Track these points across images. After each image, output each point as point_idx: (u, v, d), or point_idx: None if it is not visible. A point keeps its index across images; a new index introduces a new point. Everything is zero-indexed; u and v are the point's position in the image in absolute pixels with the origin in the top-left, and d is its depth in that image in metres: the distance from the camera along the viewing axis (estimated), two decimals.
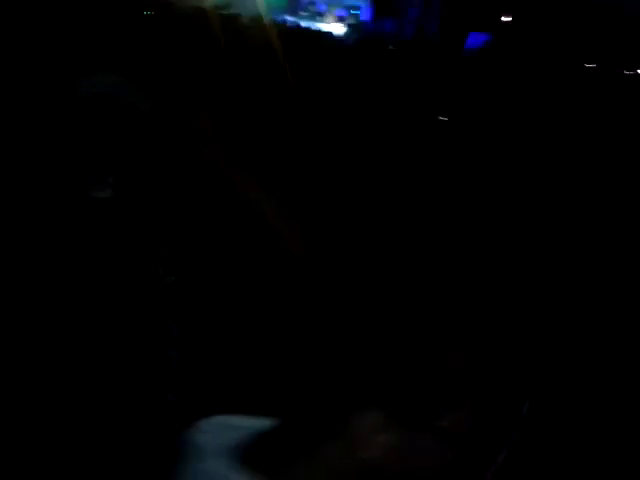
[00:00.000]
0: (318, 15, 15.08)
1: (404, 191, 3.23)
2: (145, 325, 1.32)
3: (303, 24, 12.99)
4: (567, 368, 2.32)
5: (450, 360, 0.61)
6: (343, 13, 15.14)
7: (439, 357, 0.60)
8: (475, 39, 11.33)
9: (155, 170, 1.37)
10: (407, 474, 0.58)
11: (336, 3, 15.22)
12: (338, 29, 13.72)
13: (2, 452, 1.34)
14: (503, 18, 14.34)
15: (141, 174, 1.34)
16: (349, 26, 14.28)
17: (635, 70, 13.57)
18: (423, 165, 3.51)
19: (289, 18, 13.83)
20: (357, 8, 15.33)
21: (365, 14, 15.20)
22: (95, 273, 1.29)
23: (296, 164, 2.99)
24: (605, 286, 2.81)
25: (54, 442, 1.30)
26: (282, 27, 9.18)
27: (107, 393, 1.28)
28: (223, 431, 0.63)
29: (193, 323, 1.40)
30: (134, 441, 1.27)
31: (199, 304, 1.42)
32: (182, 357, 1.37)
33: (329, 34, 9.01)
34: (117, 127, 1.26)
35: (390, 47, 9.40)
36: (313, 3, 15.30)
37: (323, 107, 3.76)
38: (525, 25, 13.66)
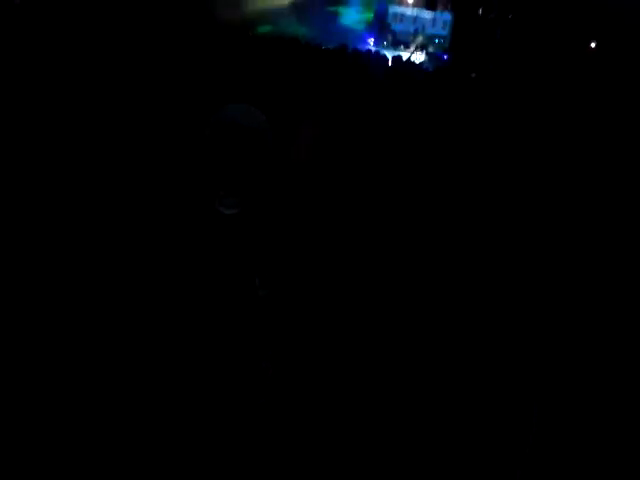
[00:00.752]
0: (402, 44, 15.46)
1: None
2: (240, 333, 1.46)
3: (386, 52, 13.60)
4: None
5: None
6: (426, 42, 15.51)
7: None
8: None
9: (269, 189, 1.48)
10: None
11: (420, 33, 15.58)
12: (419, 58, 14.17)
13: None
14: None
15: (260, 194, 1.46)
16: (430, 55, 14.68)
17: None
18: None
19: (373, 48, 14.41)
20: (440, 37, 15.68)
21: (446, 43, 15.53)
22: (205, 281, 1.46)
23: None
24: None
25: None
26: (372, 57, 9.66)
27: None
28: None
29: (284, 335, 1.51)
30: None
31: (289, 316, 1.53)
32: (275, 365, 1.49)
33: (412, 63, 9.37)
34: (244, 152, 1.36)
35: (472, 75, 9.81)
36: (395, 32, 15.72)
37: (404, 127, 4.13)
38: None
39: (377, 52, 11.78)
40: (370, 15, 15.73)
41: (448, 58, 14.82)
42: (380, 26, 15.75)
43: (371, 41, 15.32)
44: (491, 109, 4.95)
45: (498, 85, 7.66)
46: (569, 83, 8.60)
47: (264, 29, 13.14)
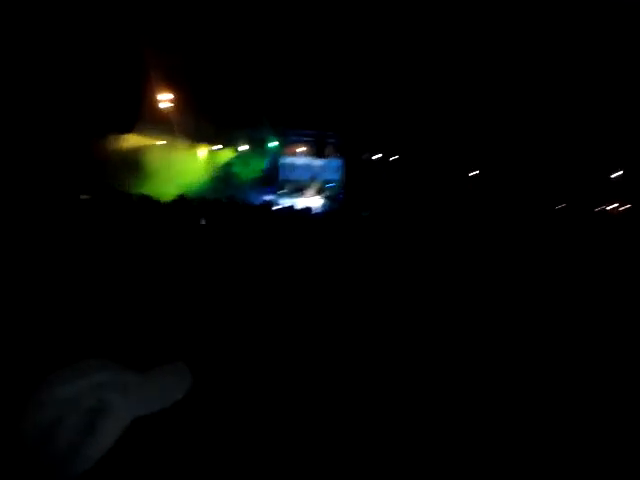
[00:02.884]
0: (296, 191, 16.03)
1: None
2: None
3: (282, 201, 13.96)
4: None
5: None
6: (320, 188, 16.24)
7: None
8: None
9: None
10: None
11: (313, 179, 16.33)
12: (316, 202, 14.66)
13: None
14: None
15: None
16: (326, 198, 15.27)
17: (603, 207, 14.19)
18: None
19: (267, 197, 14.78)
20: (332, 182, 16.45)
21: (340, 186, 16.37)
22: None
23: None
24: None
25: None
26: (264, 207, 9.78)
27: None
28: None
29: None
30: None
31: None
32: None
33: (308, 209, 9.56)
34: None
35: (363, 214, 10.12)
36: (289, 181, 16.37)
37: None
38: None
39: (270, 202, 12.10)
40: (261, 166, 16.37)
41: (342, 198, 15.52)
42: (274, 177, 16.38)
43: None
44: (382, 243, 5.43)
45: (387, 220, 8.28)
46: (452, 215, 9.12)
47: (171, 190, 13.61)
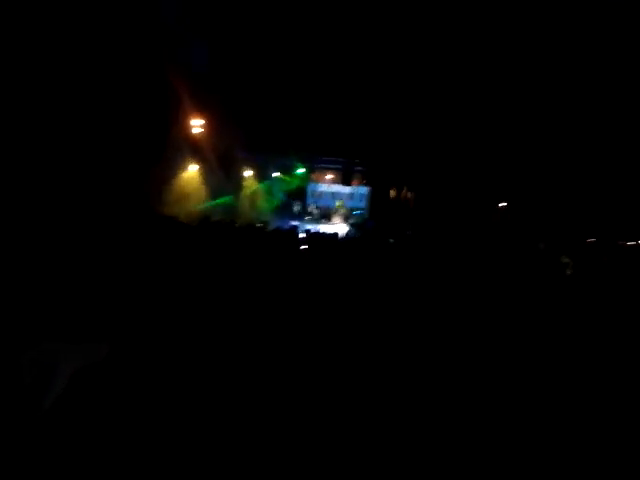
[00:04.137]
0: (323, 217, 16.16)
1: None
2: None
3: (309, 227, 14.06)
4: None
5: None
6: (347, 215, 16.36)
7: None
8: None
9: None
10: None
11: (339, 206, 16.47)
12: (342, 229, 14.70)
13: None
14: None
15: None
16: (352, 225, 15.32)
17: (636, 241, 13.87)
18: None
19: (294, 223, 14.90)
20: (359, 209, 16.55)
21: (365, 214, 16.47)
22: None
23: None
24: None
25: None
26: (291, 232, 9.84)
27: None
28: None
29: None
30: None
31: None
32: None
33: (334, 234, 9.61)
34: None
35: (390, 240, 10.09)
36: (316, 207, 16.54)
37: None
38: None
39: (295, 227, 12.21)
40: (289, 192, 16.58)
41: (372, 225, 15.52)
42: (301, 203, 16.57)
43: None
44: (407, 269, 5.38)
45: (414, 248, 8.31)
46: (479, 245, 9.03)
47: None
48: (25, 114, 10.18)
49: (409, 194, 16.61)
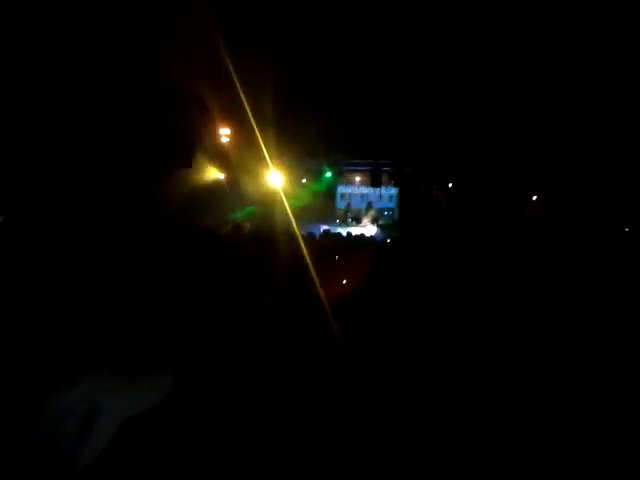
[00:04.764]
0: (354, 220, 16.13)
1: None
2: None
3: (339, 230, 14.06)
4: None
5: None
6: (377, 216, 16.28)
7: None
8: None
9: None
10: None
11: (369, 208, 16.43)
12: (372, 231, 14.65)
13: None
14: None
15: None
16: (381, 227, 15.25)
17: None
18: None
19: (324, 227, 14.94)
20: (389, 210, 16.47)
21: (395, 215, 16.37)
22: None
23: None
24: None
25: None
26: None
27: None
28: None
29: None
30: None
31: None
32: None
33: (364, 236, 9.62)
34: None
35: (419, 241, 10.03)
36: (345, 210, 16.53)
37: None
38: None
39: (328, 230, 12.23)
40: (318, 195, 16.63)
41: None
42: (331, 206, 16.60)
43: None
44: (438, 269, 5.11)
45: (447, 248, 8.02)
46: (512, 242, 8.81)
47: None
48: (57, 117, 10.51)
49: (439, 193, 16.43)
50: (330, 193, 16.81)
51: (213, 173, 15.55)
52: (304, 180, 16.67)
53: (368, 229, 14.96)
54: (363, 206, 16.48)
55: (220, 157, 14.98)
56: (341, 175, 17.07)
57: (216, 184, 15.61)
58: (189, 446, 1.23)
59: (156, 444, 1.04)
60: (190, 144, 13.89)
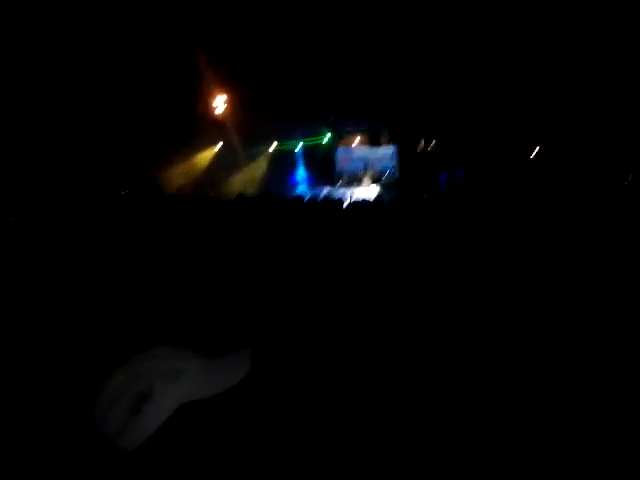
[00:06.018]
0: (355, 181, 16.04)
1: None
2: None
3: (339, 193, 14.02)
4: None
5: None
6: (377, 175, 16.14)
7: None
8: None
9: None
10: None
11: (369, 168, 16.29)
12: (374, 191, 14.57)
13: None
14: None
15: None
16: (383, 186, 15.16)
17: None
18: None
19: (325, 190, 14.91)
20: (388, 169, 16.37)
21: (396, 173, 16.22)
22: None
23: None
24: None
25: None
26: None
27: None
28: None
29: None
30: None
31: None
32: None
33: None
34: None
35: (424, 196, 10.00)
36: (345, 172, 16.39)
37: None
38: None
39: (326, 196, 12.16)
40: (316, 159, 16.54)
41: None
42: (330, 169, 16.47)
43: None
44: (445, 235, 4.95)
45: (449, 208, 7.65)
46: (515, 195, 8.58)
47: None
48: (42, 102, 10.46)
49: (438, 147, 16.23)
50: (330, 155, 16.66)
51: (208, 144, 15.42)
52: (303, 144, 16.54)
53: (371, 189, 14.90)
54: (363, 167, 16.31)
55: (214, 127, 14.78)
56: (340, 137, 16.88)
57: (211, 156, 15.51)
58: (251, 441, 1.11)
59: (218, 433, 0.94)
60: (183, 116, 13.68)
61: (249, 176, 15.88)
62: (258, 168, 16.31)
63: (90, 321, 2.58)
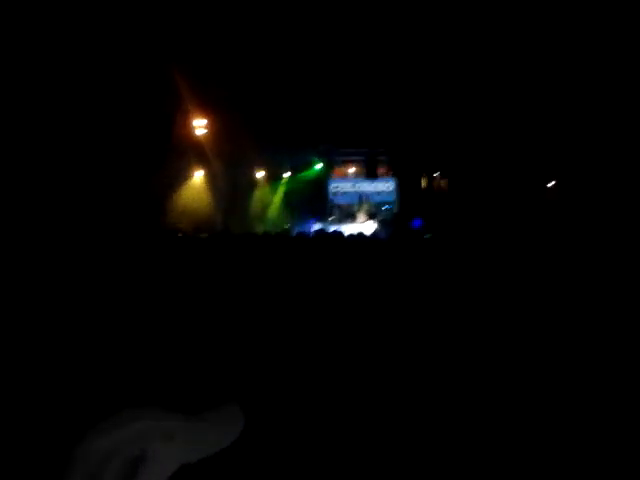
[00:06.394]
0: (347, 217, 14.77)
1: None
2: None
3: (332, 229, 12.62)
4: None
5: None
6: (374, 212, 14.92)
7: None
8: None
9: None
10: None
11: (365, 203, 15.08)
12: (370, 228, 13.23)
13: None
14: None
15: None
16: (381, 223, 13.82)
17: None
18: None
19: (317, 226, 13.53)
20: (388, 203, 15.10)
21: (394, 208, 14.97)
22: None
23: None
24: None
25: None
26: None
27: None
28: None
29: None
30: None
31: None
32: None
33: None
34: None
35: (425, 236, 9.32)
36: (339, 206, 15.15)
37: None
38: None
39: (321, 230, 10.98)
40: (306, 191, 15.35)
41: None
42: (322, 203, 15.21)
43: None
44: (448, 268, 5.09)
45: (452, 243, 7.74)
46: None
47: None
48: (23, 117, 9.98)
49: (442, 182, 15.01)
50: (321, 187, 15.35)
51: (189, 172, 14.15)
52: (293, 174, 15.33)
53: (366, 226, 13.50)
54: (358, 201, 15.06)
55: (196, 153, 13.53)
56: (333, 167, 15.64)
57: (193, 184, 14.26)
58: None
59: None
60: (163, 140, 12.53)
61: (229, 208, 14.63)
62: (239, 199, 15.05)
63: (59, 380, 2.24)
